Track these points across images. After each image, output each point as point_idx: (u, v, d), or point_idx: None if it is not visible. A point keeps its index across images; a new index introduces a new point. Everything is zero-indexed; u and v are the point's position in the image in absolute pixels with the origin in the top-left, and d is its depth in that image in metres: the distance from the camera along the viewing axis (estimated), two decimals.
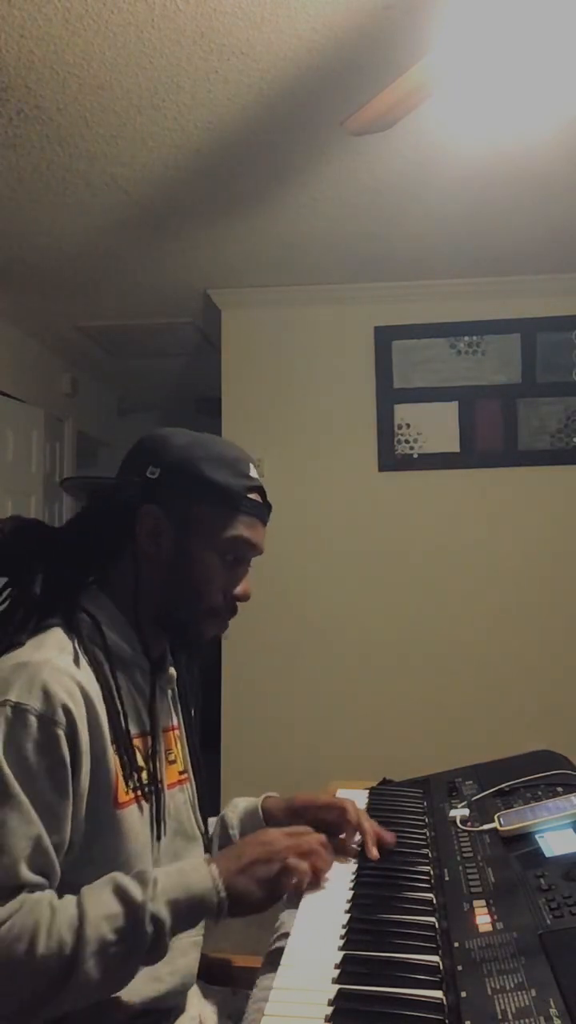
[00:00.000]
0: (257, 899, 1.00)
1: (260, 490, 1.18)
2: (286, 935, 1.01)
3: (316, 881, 1.07)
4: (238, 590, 1.17)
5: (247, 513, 1.15)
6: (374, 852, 1.18)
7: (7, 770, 0.93)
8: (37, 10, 1.94)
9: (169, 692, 1.22)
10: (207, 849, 1.23)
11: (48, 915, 0.90)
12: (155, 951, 0.94)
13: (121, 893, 0.93)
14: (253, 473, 1.17)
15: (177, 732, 1.23)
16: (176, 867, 1.02)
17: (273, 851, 1.04)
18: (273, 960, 0.95)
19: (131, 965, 0.93)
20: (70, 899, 0.93)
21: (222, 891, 0.98)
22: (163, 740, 1.16)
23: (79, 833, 0.99)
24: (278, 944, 1.00)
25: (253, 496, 1.16)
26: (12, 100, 2.29)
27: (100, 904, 0.92)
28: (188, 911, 0.96)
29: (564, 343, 3.67)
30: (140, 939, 0.92)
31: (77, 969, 0.88)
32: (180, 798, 1.18)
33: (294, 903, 1.07)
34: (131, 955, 0.92)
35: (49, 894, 0.93)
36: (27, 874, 0.92)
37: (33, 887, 0.92)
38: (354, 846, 1.22)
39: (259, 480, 1.18)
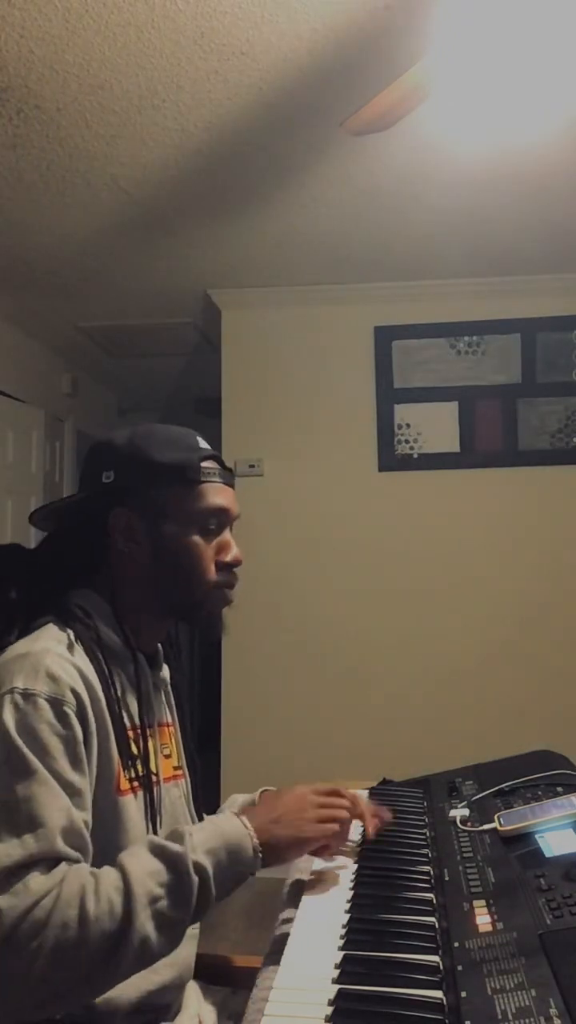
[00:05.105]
0: (287, 846, 1.04)
1: (215, 457, 1.19)
2: (289, 921, 1.02)
3: (342, 838, 1.14)
4: (229, 557, 1.18)
5: (209, 481, 1.16)
6: (371, 832, 1.22)
7: (25, 749, 0.94)
8: (37, 10, 1.94)
9: (163, 690, 1.23)
10: None
11: (92, 880, 0.90)
12: (202, 903, 0.95)
13: (159, 851, 0.95)
14: (203, 444, 1.19)
15: (172, 729, 1.24)
16: (207, 821, 1.05)
17: (302, 804, 1.09)
18: (276, 951, 0.96)
19: (182, 919, 0.93)
20: (108, 867, 0.93)
21: (255, 838, 1.01)
22: (159, 735, 1.17)
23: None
24: (282, 930, 1.01)
25: (209, 464, 1.17)
26: (12, 100, 2.29)
27: (141, 863, 0.93)
28: (228, 860, 0.98)
29: (564, 343, 3.67)
30: (187, 890, 0.93)
31: (132, 925, 0.88)
32: (176, 793, 1.19)
33: (294, 902, 1.06)
34: (180, 908, 0.92)
35: (86, 865, 0.94)
36: (64, 847, 0.91)
37: (71, 861, 0.92)
38: (351, 843, 1.22)
39: (210, 449, 1.19)
